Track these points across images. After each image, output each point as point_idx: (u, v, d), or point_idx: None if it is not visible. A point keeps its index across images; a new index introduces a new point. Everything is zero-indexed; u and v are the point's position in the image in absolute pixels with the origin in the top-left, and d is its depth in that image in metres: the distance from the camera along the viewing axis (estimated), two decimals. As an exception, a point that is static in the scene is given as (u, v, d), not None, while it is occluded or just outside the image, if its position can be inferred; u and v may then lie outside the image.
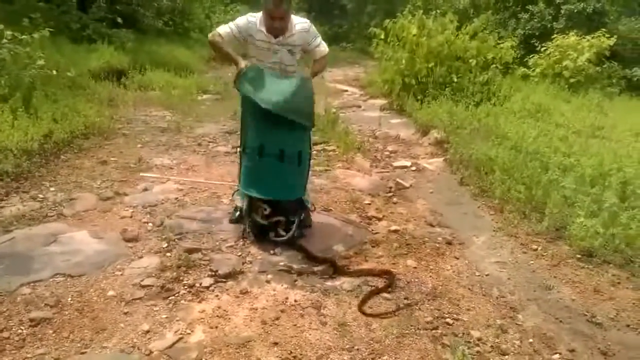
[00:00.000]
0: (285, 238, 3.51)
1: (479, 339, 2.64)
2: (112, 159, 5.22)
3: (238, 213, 3.81)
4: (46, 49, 7.20)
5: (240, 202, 3.76)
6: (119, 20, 12.03)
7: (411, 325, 2.72)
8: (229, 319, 2.69)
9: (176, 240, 3.50)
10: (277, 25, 3.26)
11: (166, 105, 8.21)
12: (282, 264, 3.28)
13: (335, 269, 3.24)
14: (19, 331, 2.47)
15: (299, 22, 3.41)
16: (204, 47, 16.58)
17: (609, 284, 3.31)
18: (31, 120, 5.23)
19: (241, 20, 3.36)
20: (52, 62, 6.77)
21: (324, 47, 3.56)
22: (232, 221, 3.84)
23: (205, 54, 15.45)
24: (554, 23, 13.69)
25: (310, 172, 3.70)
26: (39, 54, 6.45)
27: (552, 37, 12.11)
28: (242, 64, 3.31)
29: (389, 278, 3.15)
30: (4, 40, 6.02)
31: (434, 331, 2.69)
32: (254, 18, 3.34)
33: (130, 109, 7.67)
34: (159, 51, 12.67)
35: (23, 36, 6.29)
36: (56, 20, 9.90)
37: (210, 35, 3.43)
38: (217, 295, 2.90)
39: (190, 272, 3.11)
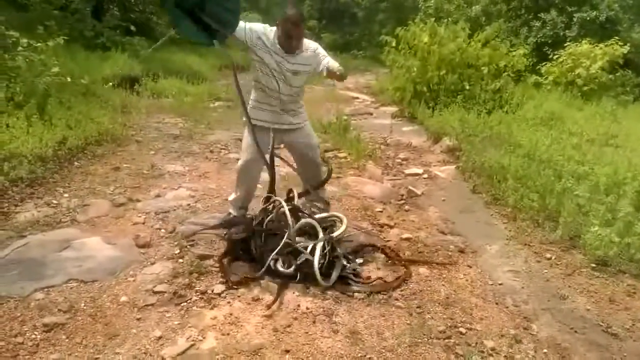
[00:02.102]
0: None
1: (493, 349, 2.61)
2: (125, 165, 5.26)
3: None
4: (60, 57, 7.32)
5: (233, 210, 3.78)
6: (133, 28, 12.21)
7: (424, 334, 2.69)
8: (241, 326, 2.68)
9: (188, 246, 3.51)
10: (293, 44, 3.24)
11: (178, 113, 8.27)
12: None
13: None
14: (33, 336, 2.48)
15: (309, 46, 3.39)
16: (216, 55, 16.72)
17: (624, 293, 3.26)
18: (45, 127, 5.29)
19: (258, 25, 3.30)
20: (66, 70, 6.86)
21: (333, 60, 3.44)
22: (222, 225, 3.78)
23: (216, 62, 15.55)
24: (567, 31, 13.66)
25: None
26: (54, 61, 6.56)
27: (565, 45, 12.06)
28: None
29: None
30: (20, 48, 6.12)
31: (446, 340, 2.66)
32: (271, 30, 3.29)
33: (143, 116, 7.73)
34: (172, 59, 12.83)
35: (38, 44, 6.40)
36: (71, 28, 10.06)
37: None
38: (229, 302, 2.90)
39: (202, 278, 3.12)
